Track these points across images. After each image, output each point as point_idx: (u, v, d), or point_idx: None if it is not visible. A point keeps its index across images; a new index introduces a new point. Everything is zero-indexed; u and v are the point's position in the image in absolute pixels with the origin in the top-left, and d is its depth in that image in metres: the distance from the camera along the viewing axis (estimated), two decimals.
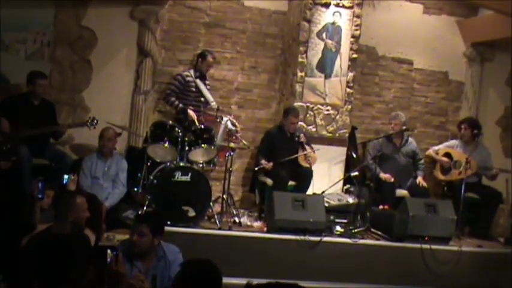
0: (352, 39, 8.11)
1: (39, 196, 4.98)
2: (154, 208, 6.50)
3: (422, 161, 8.21)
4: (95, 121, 6.82)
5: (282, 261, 6.54)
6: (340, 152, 8.18)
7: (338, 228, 7.11)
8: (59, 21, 7.57)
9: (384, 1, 8.72)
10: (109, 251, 3.24)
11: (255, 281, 2.85)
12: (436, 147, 8.48)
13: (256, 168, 7.51)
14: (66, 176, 5.29)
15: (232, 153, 6.96)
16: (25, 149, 6.51)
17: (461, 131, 8.24)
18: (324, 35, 8.00)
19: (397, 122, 7.99)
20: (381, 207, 7.49)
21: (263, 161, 7.41)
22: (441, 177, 8.23)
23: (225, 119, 7.24)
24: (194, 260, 3.41)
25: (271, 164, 7.36)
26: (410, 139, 8.17)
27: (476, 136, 8.10)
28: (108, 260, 3.20)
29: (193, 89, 7.64)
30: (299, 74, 7.95)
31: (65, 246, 3.12)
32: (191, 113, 7.43)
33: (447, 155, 8.21)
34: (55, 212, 4.60)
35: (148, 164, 6.96)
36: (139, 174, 6.98)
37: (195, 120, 7.31)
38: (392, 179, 7.74)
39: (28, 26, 7.44)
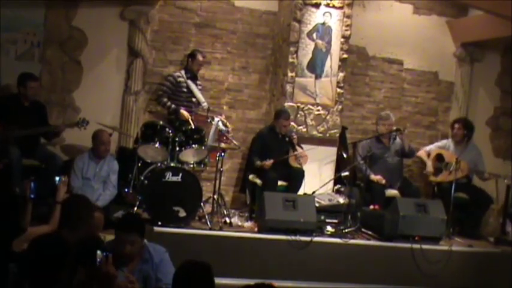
0: (342, 40, 8.12)
1: (31, 196, 4.93)
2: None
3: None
4: (86, 122, 6.81)
5: (272, 261, 6.54)
6: (331, 152, 8.19)
7: (329, 228, 7.12)
8: (49, 22, 7.55)
9: (374, 1, 8.73)
10: (99, 252, 3.21)
11: (246, 282, 2.86)
12: (427, 148, 8.48)
13: (257, 164, 7.39)
14: (57, 178, 5.25)
15: (223, 154, 6.94)
16: (16, 150, 6.49)
17: (453, 130, 8.26)
18: (314, 36, 8.01)
19: (391, 122, 8.00)
20: (371, 207, 7.50)
21: (259, 162, 7.39)
22: (431, 178, 8.25)
23: (216, 119, 7.21)
24: (188, 261, 3.42)
25: (271, 161, 7.34)
26: (396, 137, 8.17)
27: (466, 137, 8.14)
28: (98, 260, 3.18)
29: (185, 90, 7.63)
30: (289, 74, 7.95)
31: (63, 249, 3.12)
32: (184, 113, 7.42)
33: (439, 156, 8.21)
34: (66, 220, 4.37)
35: (139, 164, 6.95)
36: (129, 175, 6.97)
37: (189, 120, 7.30)
38: (383, 181, 7.76)
39: (18, 26, 7.41)
